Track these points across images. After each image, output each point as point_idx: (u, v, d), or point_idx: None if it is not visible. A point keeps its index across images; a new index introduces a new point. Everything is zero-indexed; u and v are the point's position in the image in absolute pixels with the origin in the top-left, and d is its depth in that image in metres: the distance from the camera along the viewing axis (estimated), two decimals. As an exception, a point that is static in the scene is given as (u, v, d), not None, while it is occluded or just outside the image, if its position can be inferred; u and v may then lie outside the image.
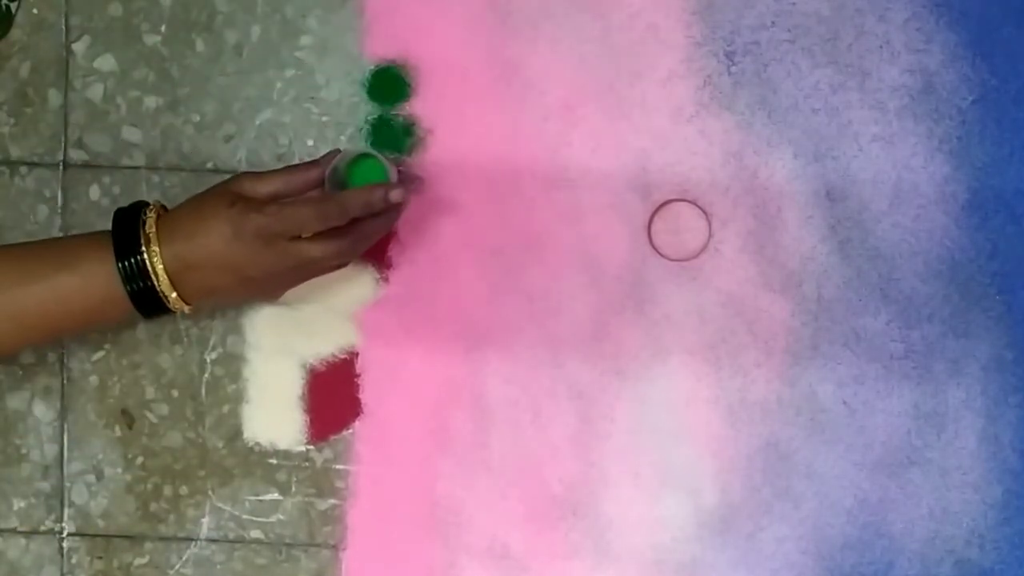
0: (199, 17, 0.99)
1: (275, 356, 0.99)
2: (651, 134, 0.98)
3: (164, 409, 1.00)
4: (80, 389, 1.00)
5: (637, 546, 0.98)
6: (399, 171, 0.93)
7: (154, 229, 0.88)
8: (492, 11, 0.98)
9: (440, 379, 0.99)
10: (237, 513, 1.00)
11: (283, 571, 1.00)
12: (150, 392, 1.00)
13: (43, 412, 1.00)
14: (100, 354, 1.00)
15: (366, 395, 0.99)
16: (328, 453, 0.99)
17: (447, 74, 0.98)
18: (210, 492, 1.00)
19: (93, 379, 1.00)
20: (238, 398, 1.00)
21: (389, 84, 0.98)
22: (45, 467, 1.00)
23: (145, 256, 0.88)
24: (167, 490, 1.00)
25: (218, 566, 1.00)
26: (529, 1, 0.98)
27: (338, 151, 0.92)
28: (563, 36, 0.98)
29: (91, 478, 1.00)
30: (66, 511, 1.00)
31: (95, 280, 0.88)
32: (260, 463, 1.00)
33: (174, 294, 0.88)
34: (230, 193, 0.89)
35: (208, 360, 1.00)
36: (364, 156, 0.93)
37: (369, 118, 0.99)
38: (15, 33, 1.00)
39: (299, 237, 0.88)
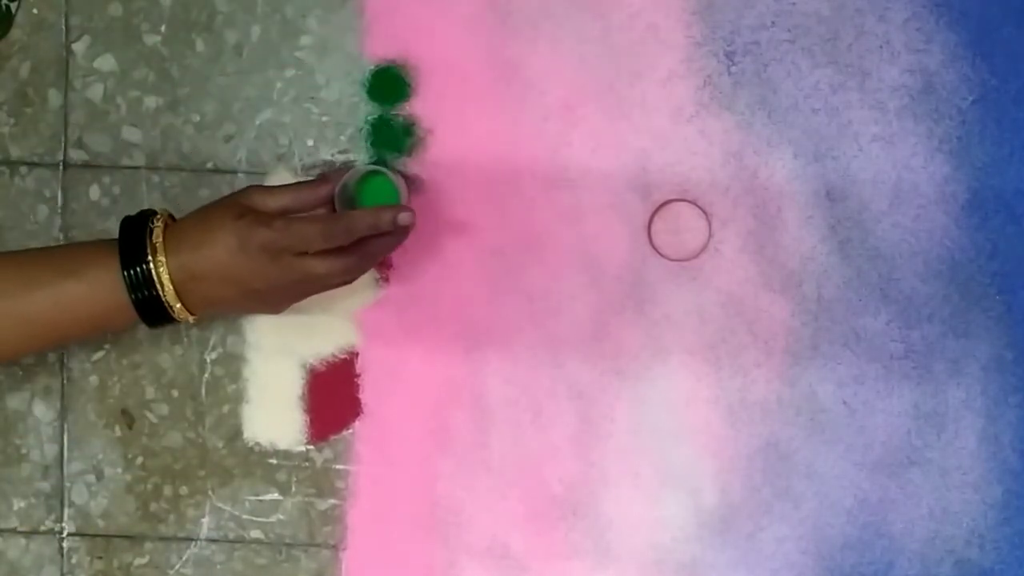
0: (199, 17, 0.99)
1: (275, 356, 0.99)
2: (651, 134, 0.98)
3: (164, 409, 1.00)
4: (80, 389, 1.00)
5: (637, 546, 0.98)
6: (407, 178, 0.93)
7: (161, 239, 0.88)
8: (492, 11, 0.98)
9: (440, 379, 0.99)
10: (237, 513, 1.00)
11: (283, 571, 1.00)
12: (150, 392, 1.00)
13: (43, 412, 1.00)
14: (100, 354, 1.00)
15: (366, 395, 0.99)
16: (328, 453, 0.99)
17: (447, 74, 0.98)
18: (210, 492, 1.00)
19: (93, 379, 1.00)
20: (238, 398, 1.00)
21: (389, 84, 0.98)
22: (45, 467, 1.00)
23: (151, 265, 0.87)
24: (167, 490, 1.00)
25: (218, 566, 1.00)
26: (529, 1, 0.98)
27: (349, 167, 0.92)
28: (563, 36, 0.98)
29: (91, 478, 1.00)
30: (66, 511, 1.00)
31: (100, 288, 0.88)
32: (260, 463, 1.00)
33: (179, 304, 0.88)
34: (238, 205, 0.88)
35: (208, 360, 1.00)
36: (374, 174, 0.93)
37: (369, 118, 0.99)
38: (15, 33, 1.00)
39: (305, 253, 0.88)
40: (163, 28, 0.99)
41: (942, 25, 0.97)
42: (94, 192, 1.00)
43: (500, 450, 0.98)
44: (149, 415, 1.00)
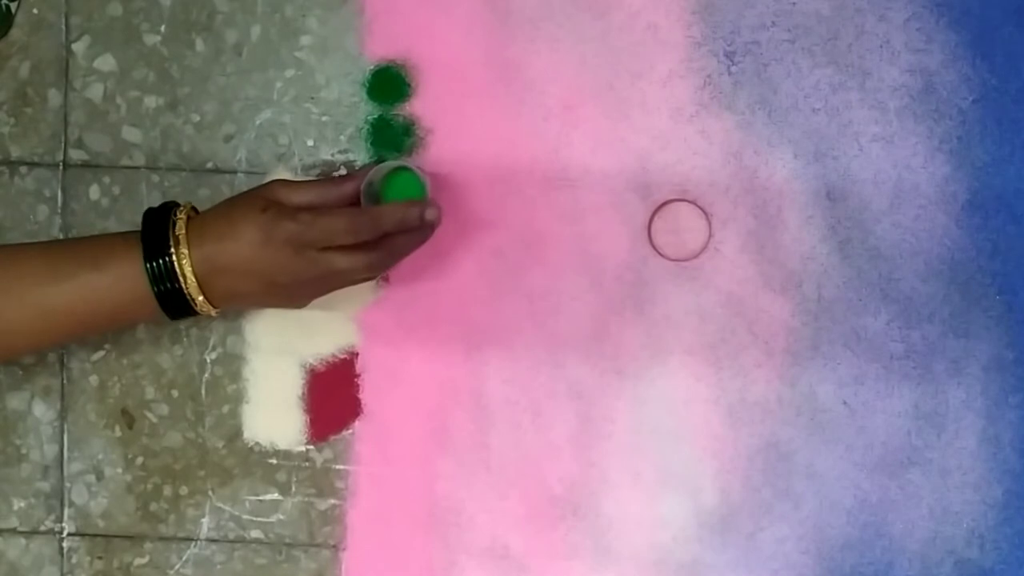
0: (199, 17, 0.99)
1: (275, 356, 0.99)
2: (651, 134, 0.98)
3: (164, 409, 1.00)
4: (80, 389, 1.00)
5: (637, 546, 0.98)
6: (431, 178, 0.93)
7: (184, 231, 0.88)
8: (492, 11, 0.98)
9: (440, 379, 0.99)
10: (237, 513, 1.00)
11: (283, 571, 1.00)
12: (150, 392, 1.00)
13: (43, 412, 1.00)
14: (100, 354, 1.00)
15: (366, 395, 0.99)
16: (328, 453, 0.99)
17: (447, 74, 0.98)
18: (210, 492, 1.00)
19: (93, 379, 1.00)
20: (238, 398, 1.00)
21: (389, 84, 0.98)
22: (45, 467, 1.00)
23: (174, 258, 0.87)
24: (167, 490, 1.00)
25: (218, 566, 1.00)
26: (529, 1, 0.98)
27: (376, 163, 0.91)
28: (563, 36, 0.98)
29: (91, 478, 1.00)
30: (66, 511, 1.00)
31: (123, 280, 0.87)
32: (260, 463, 1.00)
33: (201, 297, 0.88)
34: (263, 198, 0.88)
35: (208, 360, 1.00)
36: (401, 170, 0.93)
37: (369, 118, 0.99)
38: (15, 33, 1.00)
39: (330, 248, 0.88)
40: (163, 28, 0.99)
41: (942, 25, 0.97)
42: (94, 192, 1.00)
43: (500, 450, 0.98)
44: (149, 415, 1.00)
